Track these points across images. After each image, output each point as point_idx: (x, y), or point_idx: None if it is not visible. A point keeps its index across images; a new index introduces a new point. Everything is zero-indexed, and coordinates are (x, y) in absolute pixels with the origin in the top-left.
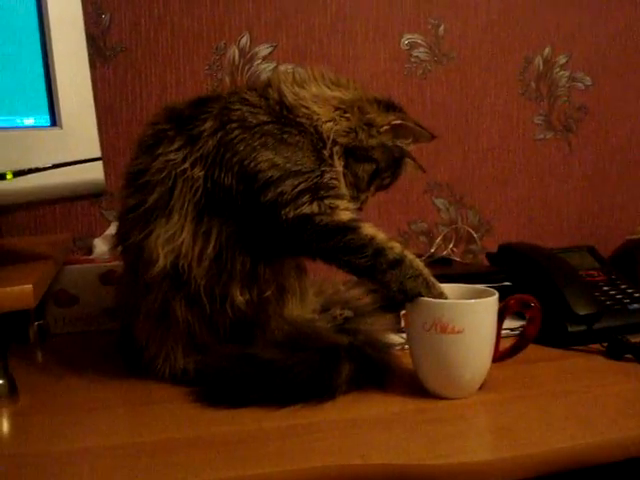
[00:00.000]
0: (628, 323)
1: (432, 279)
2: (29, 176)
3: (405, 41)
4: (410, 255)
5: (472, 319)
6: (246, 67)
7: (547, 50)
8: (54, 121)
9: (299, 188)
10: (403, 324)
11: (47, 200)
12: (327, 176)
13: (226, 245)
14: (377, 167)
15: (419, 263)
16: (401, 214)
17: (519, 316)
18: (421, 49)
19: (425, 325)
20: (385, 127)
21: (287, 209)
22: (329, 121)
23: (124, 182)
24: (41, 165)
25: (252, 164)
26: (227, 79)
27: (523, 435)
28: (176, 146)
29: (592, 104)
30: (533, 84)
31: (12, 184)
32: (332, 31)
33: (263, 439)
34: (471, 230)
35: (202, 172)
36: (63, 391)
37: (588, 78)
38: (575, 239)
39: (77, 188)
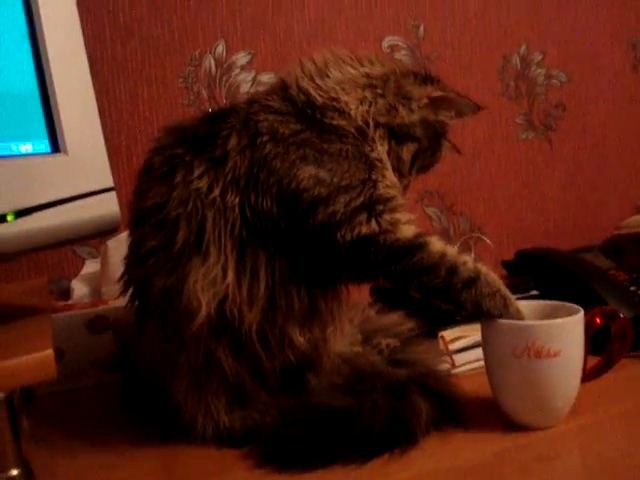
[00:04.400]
0: None
1: (509, 295)
2: (33, 215)
3: (386, 44)
4: (484, 269)
5: (567, 340)
6: (224, 78)
7: (523, 48)
8: (56, 146)
9: (352, 205)
10: (442, 346)
11: (55, 243)
12: (381, 185)
13: (279, 281)
14: (419, 146)
15: (494, 277)
16: None
17: None
18: (403, 51)
19: (516, 351)
20: (424, 100)
21: (343, 231)
22: (360, 104)
23: (133, 219)
24: (46, 201)
25: (293, 183)
26: (204, 92)
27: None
28: (198, 172)
29: (568, 100)
30: (512, 83)
31: (13, 226)
32: (312, 35)
33: None
34: (487, 240)
35: (237, 199)
36: (78, 470)
37: (563, 74)
38: (562, 238)
39: (89, 225)
